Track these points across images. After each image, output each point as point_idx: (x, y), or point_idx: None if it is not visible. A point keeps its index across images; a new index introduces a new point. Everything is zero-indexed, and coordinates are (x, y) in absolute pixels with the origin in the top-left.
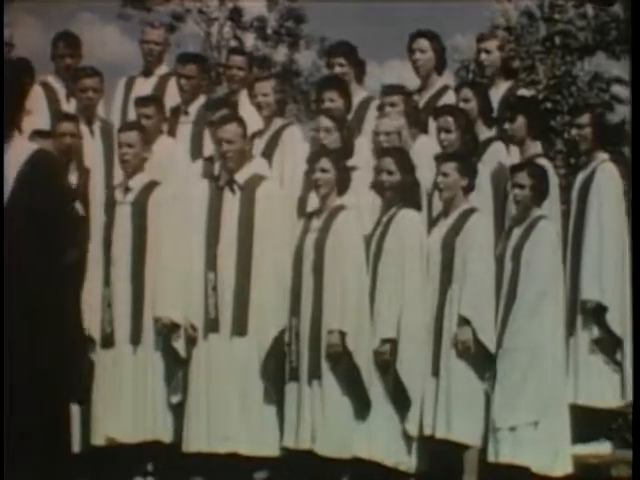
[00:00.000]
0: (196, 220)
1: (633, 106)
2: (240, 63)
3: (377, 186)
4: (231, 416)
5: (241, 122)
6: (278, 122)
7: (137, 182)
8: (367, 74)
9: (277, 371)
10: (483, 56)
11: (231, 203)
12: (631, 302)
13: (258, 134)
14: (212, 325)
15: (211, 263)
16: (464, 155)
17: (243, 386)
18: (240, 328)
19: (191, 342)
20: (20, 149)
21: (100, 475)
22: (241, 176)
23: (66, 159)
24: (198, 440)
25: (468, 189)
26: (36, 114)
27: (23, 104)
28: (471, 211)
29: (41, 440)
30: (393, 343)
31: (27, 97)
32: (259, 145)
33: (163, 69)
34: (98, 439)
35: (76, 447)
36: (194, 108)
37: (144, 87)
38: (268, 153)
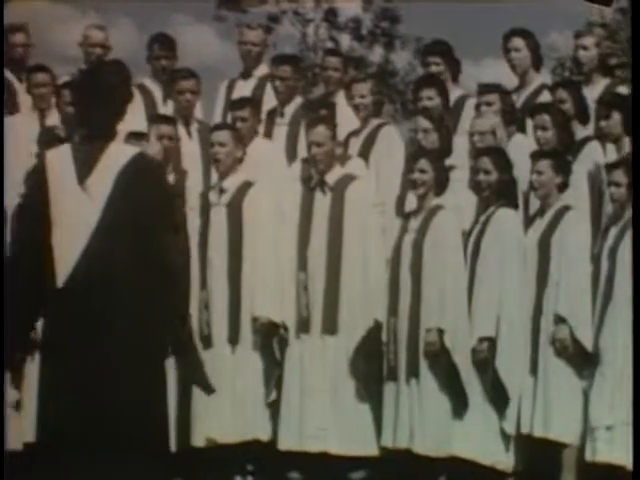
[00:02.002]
0: (289, 220)
1: (633, 106)
2: (335, 64)
3: (475, 186)
4: (323, 415)
5: (330, 124)
6: (374, 122)
7: (231, 183)
8: (462, 73)
9: (367, 369)
10: (581, 53)
11: (322, 204)
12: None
13: (354, 134)
14: (304, 325)
15: (302, 263)
16: (558, 152)
17: (335, 385)
18: (331, 327)
19: (284, 342)
20: (118, 152)
21: (200, 475)
22: (331, 177)
23: (163, 161)
24: (291, 438)
25: (562, 187)
26: (132, 116)
27: (119, 107)
28: (566, 209)
29: (140, 440)
30: (491, 341)
31: (123, 100)
32: (355, 145)
33: (262, 70)
34: (198, 440)
35: (174, 447)
36: (290, 110)
37: (244, 89)
38: (364, 153)
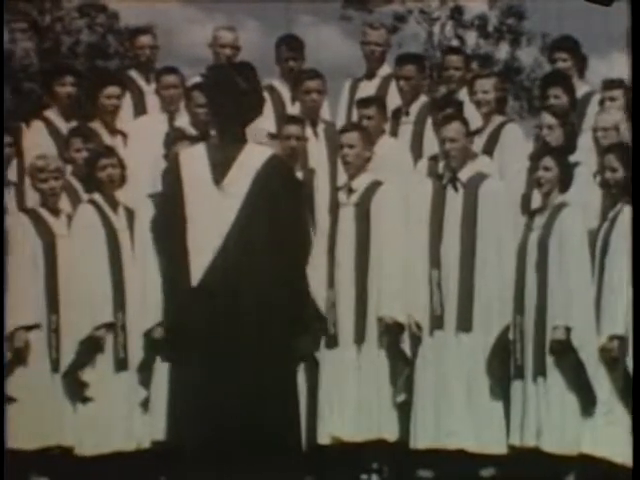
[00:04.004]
0: (420, 219)
1: (633, 105)
2: (456, 63)
3: (603, 184)
4: (458, 413)
5: (464, 121)
6: (497, 119)
7: (360, 183)
8: (588, 69)
9: (502, 368)
10: None
11: (454, 201)
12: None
13: (478, 132)
14: (437, 322)
15: (435, 260)
16: None
17: (469, 382)
18: (465, 324)
19: (416, 340)
20: (254, 153)
21: (327, 473)
22: (464, 174)
23: (292, 161)
24: (426, 437)
25: None
26: (262, 117)
27: (251, 108)
28: None
29: (272, 437)
30: (621, 340)
31: (254, 101)
32: (479, 143)
33: (385, 70)
34: (324, 438)
35: (303, 445)
36: (414, 108)
37: (367, 89)
38: (488, 151)
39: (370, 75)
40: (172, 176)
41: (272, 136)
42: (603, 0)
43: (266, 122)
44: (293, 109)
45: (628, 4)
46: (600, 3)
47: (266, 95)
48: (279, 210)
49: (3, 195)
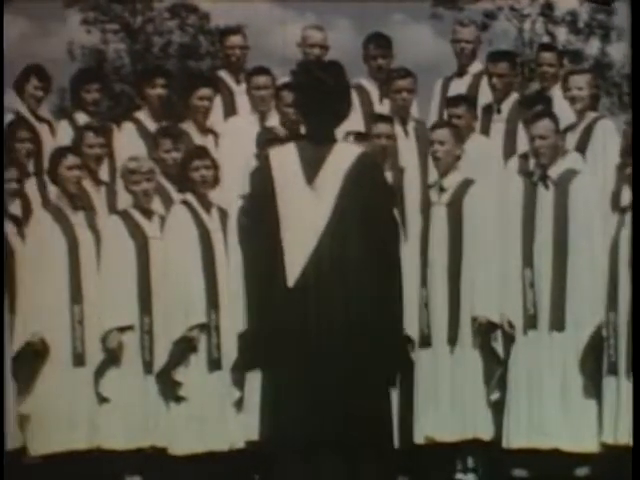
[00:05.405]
0: (511, 217)
1: (633, 105)
2: (550, 59)
3: None
4: (552, 412)
5: (554, 118)
6: (591, 115)
7: (451, 181)
8: None
9: (595, 366)
10: None
11: (545, 199)
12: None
13: (570, 128)
14: (531, 321)
15: (528, 259)
16: None
17: (563, 381)
18: (558, 323)
19: (509, 339)
20: (344, 152)
21: (421, 473)
22: (554, 171)
23: (382, 159)
24: (519, 436)
25: None
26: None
27: (340, 108)
28: None
29: (366, 437)
30: None
31: (344, 101)
32: (571, 139)
33: (476, 67)
34: (418, 438)
35: (397, 444)
36: (506, 106)
37: (458, 87)
38: (581, 147)
39: (461, 73)
40: (263, 176)
41: (362, 135)
42: (603, 0)
43: (355, 121)
44: (381, 108)
45: (628, 4)
46: (600, 3)
47: (354, 94)
48: (370, 209)
49: (3, 195)
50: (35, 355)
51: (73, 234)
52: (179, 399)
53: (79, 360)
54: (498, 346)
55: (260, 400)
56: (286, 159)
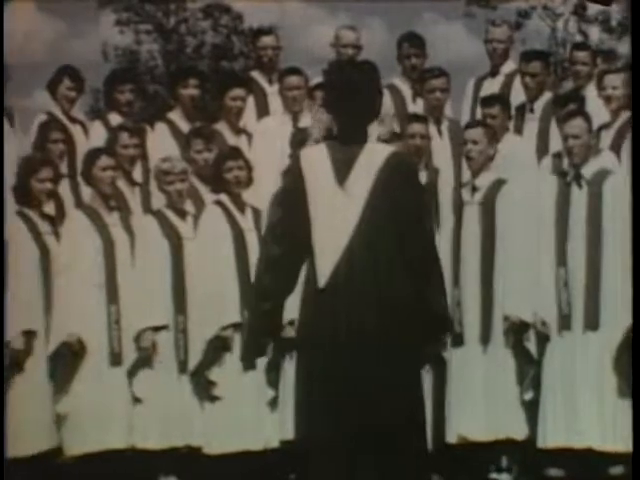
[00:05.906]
0: (545, 217)
1: (633, 105)
2: (584, 58)
3: None
4: (586, 411)
5: (586, 117)
6: (625, 115)
7: (484, 181)
8: None
9: (629, 365)
10: None
11: (579, 198)
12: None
13: (605, 127)
14: (565, 321)
15: (561, 259)
16: None
17: (597, 381)
18: (593, 323)
19: (543, 339)
20: (375, 152)
21: (454, 472)
22: (588, 170)
23: (416, 159)
24: (554, 436)
25: None
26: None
27: (372, 107)
28: None
29: (399, 436)
30: None
31: (375, 101)
32: (606, 138)
33: (509, 67)
34: (451, 437)
35: (430, 444)
36: (539, 105)
37: (491, 86)
38: (616, 146)
39: (494, 72)
40: (294, 176)
41: (396, 135)
42: (603, 0)
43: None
44: (415, 107)
45: (628, 4)
46: (600, 3)
47: (387, 94)
48: (402, 209)
49: (3, 195)
50: (72, 355)
51: (108, 234)
52: (213, 399)
53: (116, 360)
54: (531, 345)
55: (294, 399)
56: (317, 159)
